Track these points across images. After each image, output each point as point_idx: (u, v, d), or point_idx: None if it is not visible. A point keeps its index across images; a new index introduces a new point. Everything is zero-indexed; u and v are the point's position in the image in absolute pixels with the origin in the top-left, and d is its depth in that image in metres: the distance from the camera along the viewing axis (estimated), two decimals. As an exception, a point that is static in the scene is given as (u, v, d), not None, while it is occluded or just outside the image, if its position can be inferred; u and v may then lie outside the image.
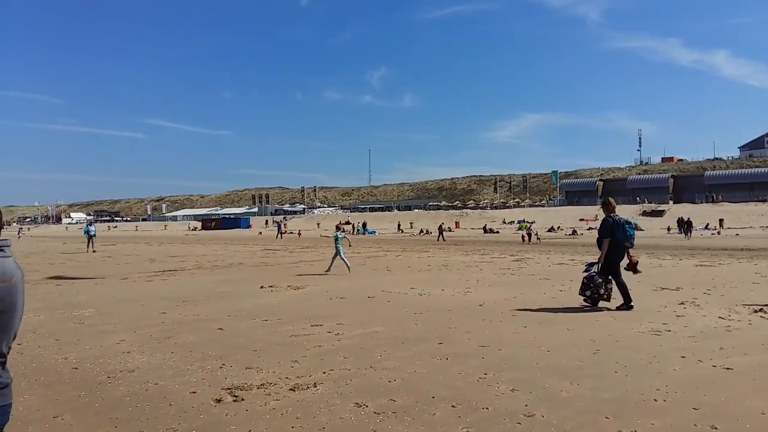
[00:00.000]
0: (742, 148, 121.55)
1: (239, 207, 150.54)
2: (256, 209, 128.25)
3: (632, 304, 9.12)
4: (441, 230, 43.14)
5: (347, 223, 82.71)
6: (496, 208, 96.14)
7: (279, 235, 53.02)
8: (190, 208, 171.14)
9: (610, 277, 9.34)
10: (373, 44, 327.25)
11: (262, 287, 12.80)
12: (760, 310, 8.85)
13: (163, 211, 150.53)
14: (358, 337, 7.36)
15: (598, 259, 9.41)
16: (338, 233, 16.13)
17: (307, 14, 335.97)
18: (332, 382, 5.36)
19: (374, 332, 7.68)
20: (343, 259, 16.00)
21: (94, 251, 29.85)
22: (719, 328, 7.61)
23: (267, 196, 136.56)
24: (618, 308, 9.12)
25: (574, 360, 6.04)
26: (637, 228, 56.68)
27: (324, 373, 5.68)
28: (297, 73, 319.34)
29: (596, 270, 9.41)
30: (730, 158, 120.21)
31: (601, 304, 9.35)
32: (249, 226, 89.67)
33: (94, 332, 8.04)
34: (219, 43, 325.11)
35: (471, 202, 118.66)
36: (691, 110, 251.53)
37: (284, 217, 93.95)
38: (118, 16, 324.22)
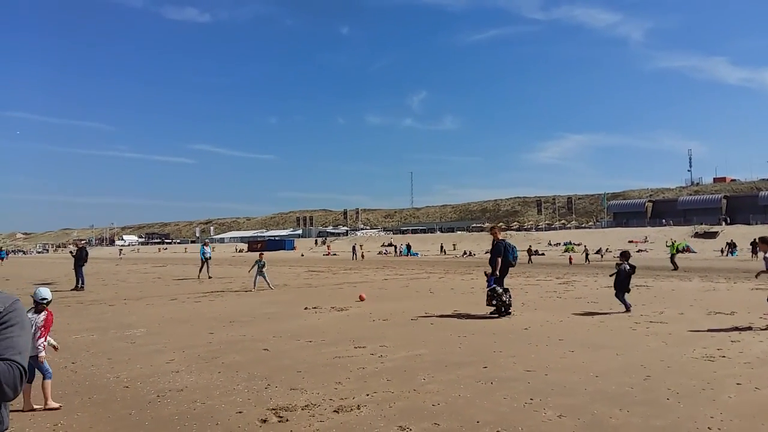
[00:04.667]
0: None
1: (284, 229, 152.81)
2: (300, 231, 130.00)
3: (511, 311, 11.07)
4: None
5: (390, 245, 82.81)
6: (541, 229, 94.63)
7: (354, 256, 54.28)
8: (237, 230, 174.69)
9: (507, 288, 11.38)
10: (413, 68, 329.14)
11: (306, 308, 12.94)
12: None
13: (211, 234, 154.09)
14: (401, 360, 7.35)
15: (491, 273, 11.41)
16: (261, 261, 18.60)
17: (348, 41, 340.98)
18: (375, 405, 5.36)
19: (417, 355, 7.65)
20: (265, 279, 18.52)
21: (210, 277, 24.61)
22: (779, 355, 7.26)
23: (311, 219, 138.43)
24: (491, 315, 10.99)
25: (624, 386, 5.87)
26: (688, 250, 54.87)
27: (367, 395, 5.69)
28: (339, 98, 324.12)
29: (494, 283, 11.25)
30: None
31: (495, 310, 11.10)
32: (293, 248, 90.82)
33: (144, 352, 8.27)
34: (263, 70, 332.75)
35: (515, 223, 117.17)
36: (742, 129, 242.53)
37: (326, 238, 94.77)
38: (167, 47, 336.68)
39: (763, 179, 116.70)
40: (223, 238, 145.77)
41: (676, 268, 27.34)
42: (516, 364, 6.98)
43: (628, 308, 11.47)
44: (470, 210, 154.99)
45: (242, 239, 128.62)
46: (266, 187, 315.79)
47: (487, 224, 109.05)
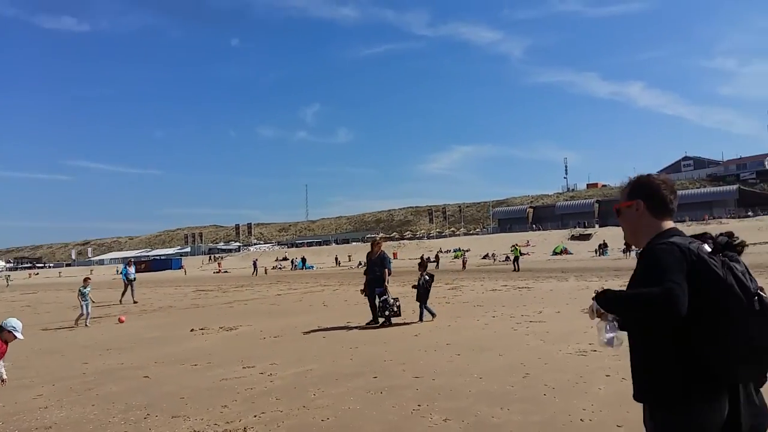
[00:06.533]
0: (660, 172, 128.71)
1: (171, 247, 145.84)
2: (188, 249, 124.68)
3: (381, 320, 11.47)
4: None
5: (284, 259, 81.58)
6: (432, 238, 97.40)
7: (255, 272, 54.14)
8: (118, 250, 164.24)
9: (396, 297, 11.79)
10: (305, 81, 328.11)
11: (192, 330, 12.38)
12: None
13: (89, 255, 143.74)
14: (291, 377, 7.21)
15: (381, 284, 11.65)
16: (86, 289, 15.33)
17: (238, 53, 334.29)
18: (263, 426, 5.20)
19: (308, 370, 7.54)
20: (85, 309, 14.96)
21: (135, 302, 21.75)
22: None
23: (200, 235, 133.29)
24: (368, 323, 11.52)
25: (505, 385, 6.13)
26: (566, 252, 58.80)
27: (255, 416, 5.51)
28: (230, 111, 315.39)
29: (386, 293, 11.58)
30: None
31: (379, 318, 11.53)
32: (181, 267, 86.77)
33: (8, 387, 7.46)
34: (148, 82, 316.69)
35: (408, 232, 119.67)
36: (611, 138, 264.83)
37: (215, 256, 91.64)
38: (42, 57, 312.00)
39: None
40: (103, 260, 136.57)
41: (516, 269, 30.91)
42: (405, 372, 7.08)
43: (434, 316, 11.64)
44: (365, 221, 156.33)
45: (124, 260, 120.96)
46: (151, 203, 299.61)
47: (381, 235, 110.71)
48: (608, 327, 2.29)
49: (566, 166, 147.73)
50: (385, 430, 4.87)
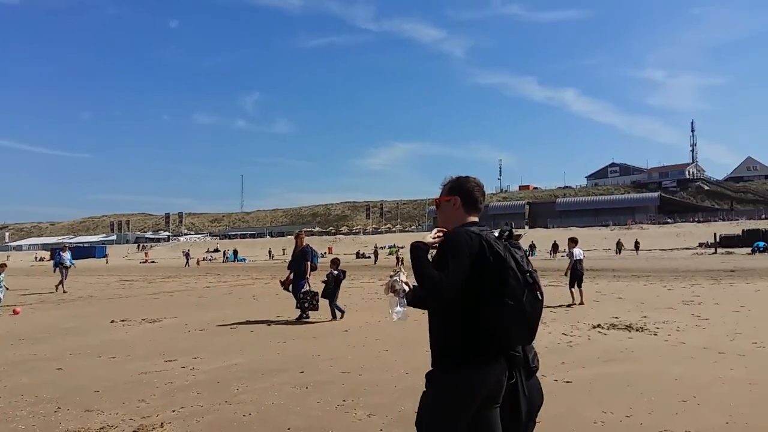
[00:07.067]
0: (588, 177, 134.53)
1: (95, 235, 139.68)
2: (114, 237, 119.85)
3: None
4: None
5: (216, 250, 79.72)
6: (369, 233, 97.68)
7: (187, 263, 52.63)
8: (39, 236, 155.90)
9: (315, 291, 11.63)
10: (246, 68, 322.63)
11: (113, 321, 11.89)
12: (598, 326, 9.72)
13: (6, 241, 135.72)
14: (215, 371, 7.03)
15: (302, 278, 11.69)
16: (0, 275, 14.79)
17: (176, 36, 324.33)
18: (182, 421, 5.05)
19: (233, 365, 7.38)
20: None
21: (64, 291, 20.07)
22: (562, 344, 8.23)
23: (127, 223, 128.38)
24: (298, 318, 11.39)
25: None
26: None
27: (174, 411, 5.34)
28: (164, 95, 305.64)
29: (308, 286, 11.62)
30: (579, 186, 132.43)
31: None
32: (105, 256, 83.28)
33: None
34: (77, 60, 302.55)
35: (344, 227, 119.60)
36: (545, 142, 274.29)
37: (142, 245, 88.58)
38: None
39: (560, 187, 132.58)
40: (21, 246, 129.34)
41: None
42: (333, 367, 7.05)
43: (342, 313, 11.56)
44: (301, 214, 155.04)
45: (44, 246, 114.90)
46: (76, 188, 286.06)
47: (317, 228, 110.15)
48: (399, 302, 2.61)
49: (500, 168, 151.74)
50: (308, 426, 4.83)
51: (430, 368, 2.59)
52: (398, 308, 2.60)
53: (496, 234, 2.71)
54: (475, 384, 2.49)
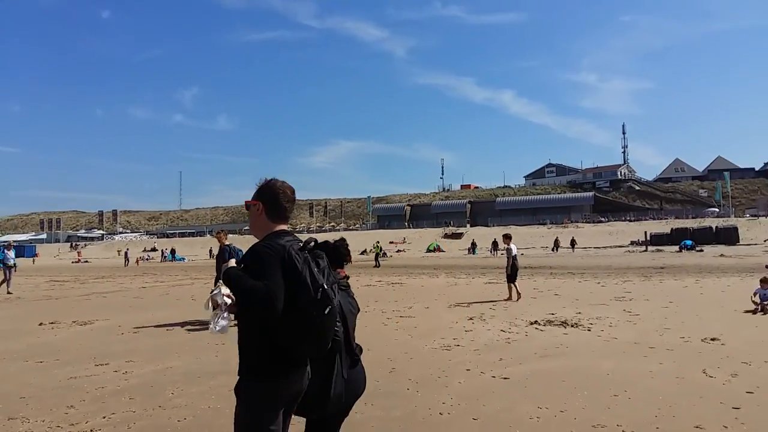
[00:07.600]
0: (527, 177, 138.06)
1: (24, 233, 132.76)
2: (44, 236, 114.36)
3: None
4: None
5: (153, 249, 77.29)
6: (312, 232, 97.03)
7: (126, 262, 51.41)
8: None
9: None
10: (184, 62, 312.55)
11: (41, 324, 11.31)
12: (535, 322, 9.97)
13: None
14: (149, 375, 6.79)
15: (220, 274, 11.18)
16: None
17: (109, 26, 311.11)
18: (112, 427, 4.85)
19: (168, 368, 7.15)
20: None
21: (9, 292, 18.88)
22: (501, 341, 8.39)
23: (58, 221, 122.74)
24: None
25: (372, 380, 6.09)
26: (439, 249, 61.05)
27: (104, 417, 5.12)
28: (97, 88, 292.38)
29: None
30: (518, 186, 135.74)
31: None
32: (35, 255, 79.27)
33: None
34: (5, 52, 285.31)
35: (287, 226, 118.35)
36: (485, 142, 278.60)
37: (75, 243, 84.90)
38: None
39: (500, 187, 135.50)
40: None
41: (378, 265, 32.90)
42: (272, 368, 6.93)
43: None
44: (243, 212, 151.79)
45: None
46: (3, 184, 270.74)
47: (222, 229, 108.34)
48: (221, 316, 2.65)
49: (443, 167, 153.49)
50: (245, 429, 4.72)
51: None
52: (221, 322, 2.65)
53: (301, 245, 2.67)
54: (277, 393, 2.57)
